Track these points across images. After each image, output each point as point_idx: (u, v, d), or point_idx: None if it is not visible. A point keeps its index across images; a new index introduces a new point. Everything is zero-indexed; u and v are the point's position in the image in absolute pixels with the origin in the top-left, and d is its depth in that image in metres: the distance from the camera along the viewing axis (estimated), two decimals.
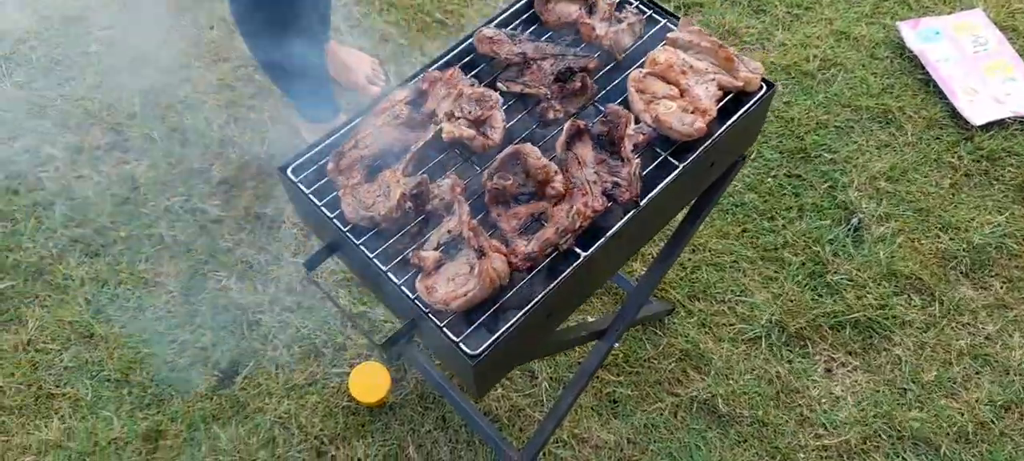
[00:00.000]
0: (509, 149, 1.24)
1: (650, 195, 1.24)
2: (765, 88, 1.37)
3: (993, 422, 1.81)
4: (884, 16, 2.54)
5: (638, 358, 1.90)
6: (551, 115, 1.32)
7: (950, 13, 2.52)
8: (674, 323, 1.95)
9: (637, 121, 1.31)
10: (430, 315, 1.12)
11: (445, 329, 1.10)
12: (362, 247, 1.18)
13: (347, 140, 1.27)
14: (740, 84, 1.37)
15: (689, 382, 1.87)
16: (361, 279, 1.39)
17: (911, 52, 2.43)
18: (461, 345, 1.09)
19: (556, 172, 1.22)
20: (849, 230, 2.10)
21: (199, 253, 2.12)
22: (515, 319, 1.11)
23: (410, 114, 1.30)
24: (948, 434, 1.80)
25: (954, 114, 2.30)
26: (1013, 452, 1.78)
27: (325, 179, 1.25)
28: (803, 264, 2.04)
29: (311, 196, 1.24)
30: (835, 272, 2.03)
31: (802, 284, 2.01)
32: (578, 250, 1.18)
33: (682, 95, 1.35)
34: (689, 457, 1.77)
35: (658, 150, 1.30)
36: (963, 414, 1.83)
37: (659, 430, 1.81)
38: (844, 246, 2.07)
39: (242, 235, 2.15)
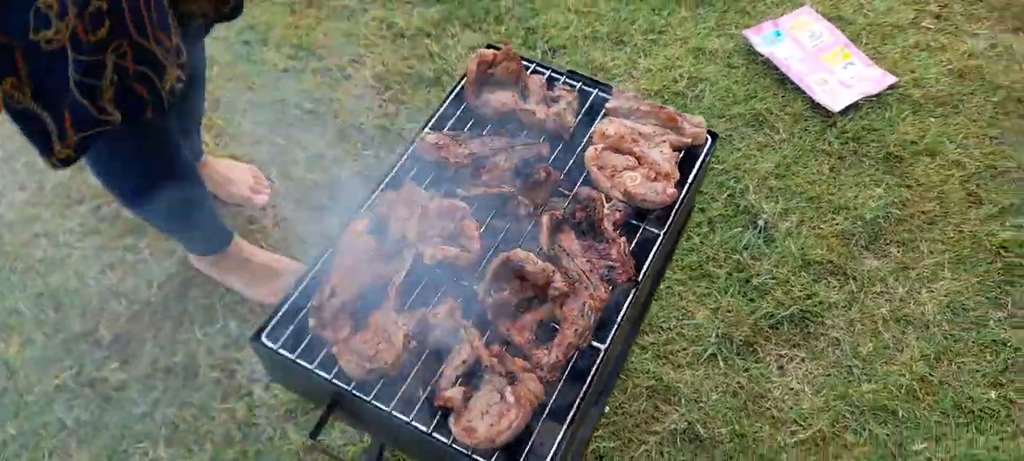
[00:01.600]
0: (499, 259, 1.20)
1: (644, 269, 1.24)
2: (710, 139, 1.42)
3: (931, 375, 1.99)
4: (729, 27, 2.73)
5: (610, 406, 1.90)
6: (523, 211, 1.29)
7: (783, 14, 2.75)
8: (632, 363, 1.97)
9: (608, 199, 1.31)
10: (476, 457, 1.05)
11: None
12: (376, 403, 1.10)
13: (319, 290, 1.17)
14: (689, 141, 1.41)
15: (664, 416, 1.90)
16: (376, 435, 1.28)
17: (762, 56, 2.62)
18: None
19: (553, 271, 1.19)
20: (759, 233, 2.22)
21: (112, 429, 1.89)
22: (563, 433, 1.07)
23: (378, 245, 1.23)
24: (898, 396, 1.95)
25: (814, 105, 2.50)
26: (955, 397, 1.95)
27: (307, 338, 1.15)
28: (729, 274, 2.14)
29: (300, 362, 1.13)
30: (758, 274, 2.14)
31: (734, 293, 2.10)
32: (597, 344, 1.16)
33: (640, 163, 1.37)
34: None
35: (633, 222, 1.32)
36: (904, 375, 1.99)
37: None
38: (759, 247, 2.19)
39: (156, 395, 1.94)
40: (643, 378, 1.95)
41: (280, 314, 1.16)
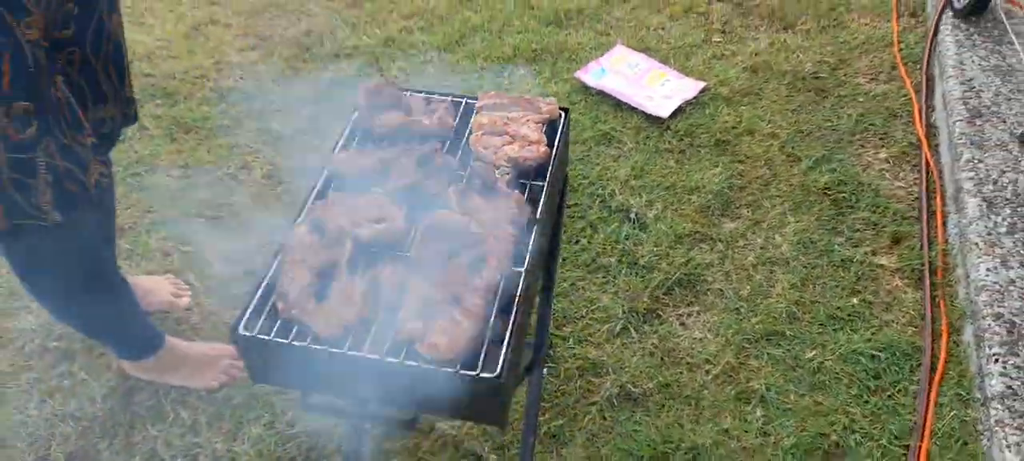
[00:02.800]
0: (425, 222, 1.40)
1: (539, 208, 1.48)
2: (564, 113, 1.71)
3: (801, 298, 2.31)
4: (562, 74, 3.13)
5: (549, 393, 2.07)
6: (431, 191, 1.51)
7: (602, 55, 3.20)
8: (559, 352, 2.16)
9: (496, 167, 1.55)
10: (444, 368, 1.21)
11: (462, 371, 1.21)
12: (353, 352, 1.23)
13: (280, 282, 1.32)
14: (547, 115, 1.69)
15: (597, 387, 2.08)
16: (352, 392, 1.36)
17: (594, 90, 3.03)
18: (481, 374, 1.20)
19: (470, 220, 1.41)
20: (633, 224, 2.53)
21: None
22: (511, 324, 1.26)
23: (320, 239, 1.39)
24: (781, 321, 2.25)
25: (648, 117, 2.91)
26: (825, 309, 2.28)
27: (276, 325, 1.28)
28: (619, 261, 2.41)
29: (278, 339, 1.25)
30: (642, 255, 2.42)
31: (627, 275, 2.37)
32: (517, 269, 1.37)
33: (514, 139, 1.63)
34: (638, 440, 1.96)
35: (522, 181, 1.56)
36: (781, 303, 2.29)
37: (600, 436, 1.98)
38: (636, 235, 2.49)
39: None
40: (572, 362, 2.14)
41: (248, 311, 1.29)
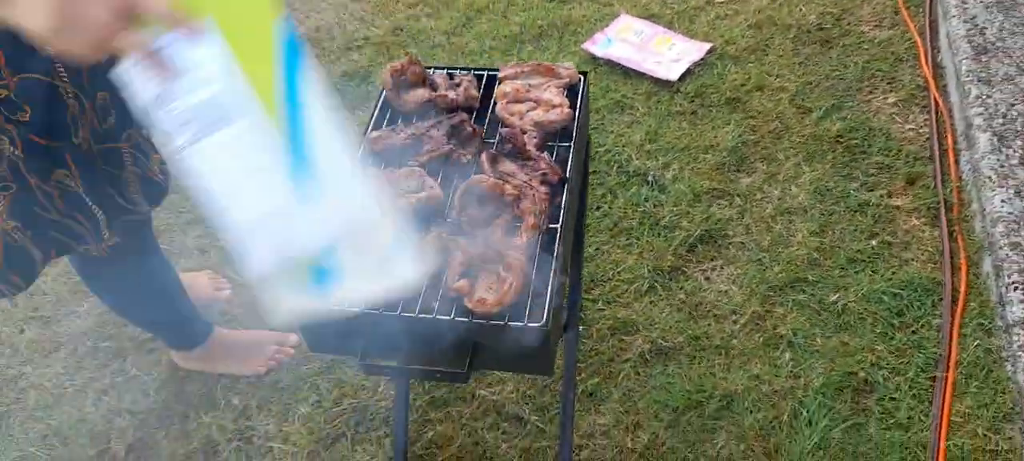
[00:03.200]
0: (460, 188, 1.47)
1: (568, 167, 1.54)
2: (583, 76, 1.77)
3: (822, 244, 2.36)
4: (569, 47, 3.18)
5: (583, 353, 2.13)
6: (464, 160, 1.57)
7: (608, 25, 3.24)
8: (589, 314, 2.23)
9: (523, 132, 1.61)
10: (492, 321, 1.28)
11: (510, 322, 1.27)
12: (406, 313, 1.30)
13: None
14: (567, 79, 1.75)
15: (629, 345, 2.15)
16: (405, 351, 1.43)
17: (603, 60, 3.08)
18: (529, 323, 1.27)
19: (504, 183, 1.47)
20: (651, 186, 2.58)
21: None
22: (551, 277, 1.32)
23: None
24: (803, 267, 2.30)
25: (658, 81, 2.95)
26: (846, 253, 2.33)
27: None
28: (640, 223, 2.47)
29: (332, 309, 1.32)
30: (663, 216, 2.48)
31: (649, 236, 2.43)
32: (553, 225, 1.44)
33: (538, 104, 1.69)
34: (672, 392, 2.03)
35: (549, 144, 1.62)
36: (802, 250, 2.35)
37: (636, 390, 2.05)
38: (656, 197, 2.54)
39: None
40: (602, 322, 2.20)
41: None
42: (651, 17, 3.30)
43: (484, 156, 1.54)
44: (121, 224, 1.54)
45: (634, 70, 3.00)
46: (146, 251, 1.81)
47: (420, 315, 1.30)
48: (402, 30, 3.35)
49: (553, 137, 1.63)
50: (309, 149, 0.86)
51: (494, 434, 1.97)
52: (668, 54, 3.06)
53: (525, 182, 1.48)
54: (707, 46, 3.08)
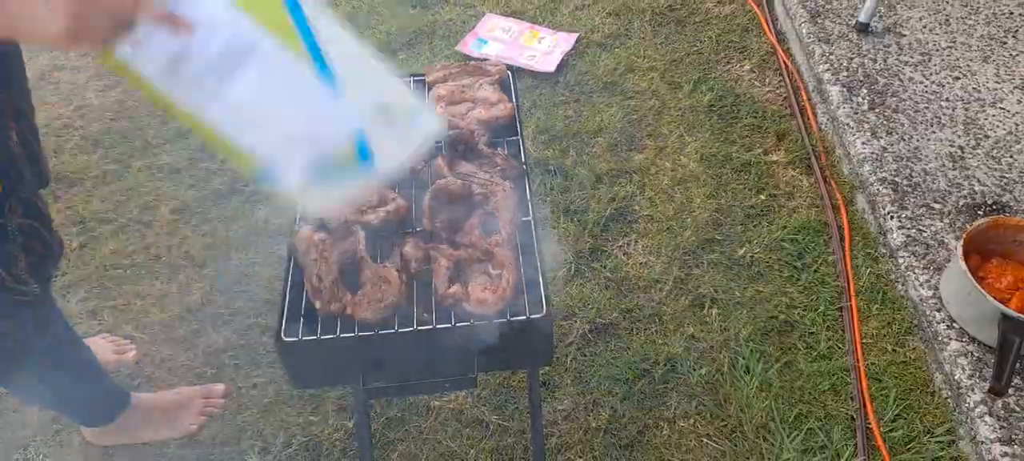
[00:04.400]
0: (427, 194, 1.43)
1: (523, 161, 1.55)
2: (509, 72, 1.78)
3: (718, 205, 2.52)
4: (443, 50, 3.18)
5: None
6: (418, 167, 1.53)
7: (476, 26, 3.27)
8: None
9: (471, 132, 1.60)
10: (497, 320, 1.26)
11: (512, 318, 1.26)
12: (403, 329, 1.25)
13: (306, 281, 1.30)
14: (497, 75, 1.76)
15: (570, 329, 2.18)
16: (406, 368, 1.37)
17: (480, 60, 3.09)
18: (532, 316, 1.26)
19: (470, 183, 1.45)
20: (554, 175, 2.64)
21: None
22: (540, 267, 1.32)
23: (329, 234, 1.38)
24: (709, 227, 2.45)
25: (537, 75, 3.02)
26: (742, 209, 2.51)
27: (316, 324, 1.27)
28: (552, 211, 2.51)
29: (325, 337, 1.24)
30: (572, 201, 2.54)
31: (564, 220, 2.48)
32: (525, 218, 1.44)
33: (475, 103, 1.68)
34: (619, 366, 2.08)
35: (495, 140, 1.62)
36: (704, 213, 2.50)
37: (586, 371, 2.09)
38: (561, 184, 2.60)
39: None
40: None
41: (284, 318, 1.26)
42: (515, 14, 3.36)
43: (441, 159, 1.51)
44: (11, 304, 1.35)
45: (513, 66, 3.04)
46: (45, 324, 1.59)
47: (419, 329, 1.25)
48: None
49: (497, 133, 1.63)
50: (322, 53, 0.91)
51: (459, 442, 1.94)
52: (540, 47, 3.14)
53: (489, 179, 1.47)
54: (575, 36, 3.19)
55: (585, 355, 2.13)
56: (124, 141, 2.75)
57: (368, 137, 0.96)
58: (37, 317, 1.49)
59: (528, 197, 1.47)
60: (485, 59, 3.08)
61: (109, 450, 1.92)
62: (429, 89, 1.71)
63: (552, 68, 3.02)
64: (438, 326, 1.25)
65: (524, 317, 1.26)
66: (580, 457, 1.92)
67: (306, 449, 1.93)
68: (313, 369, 1.30)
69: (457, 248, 1.35)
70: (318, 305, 1.26)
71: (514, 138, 1.61)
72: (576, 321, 2.21)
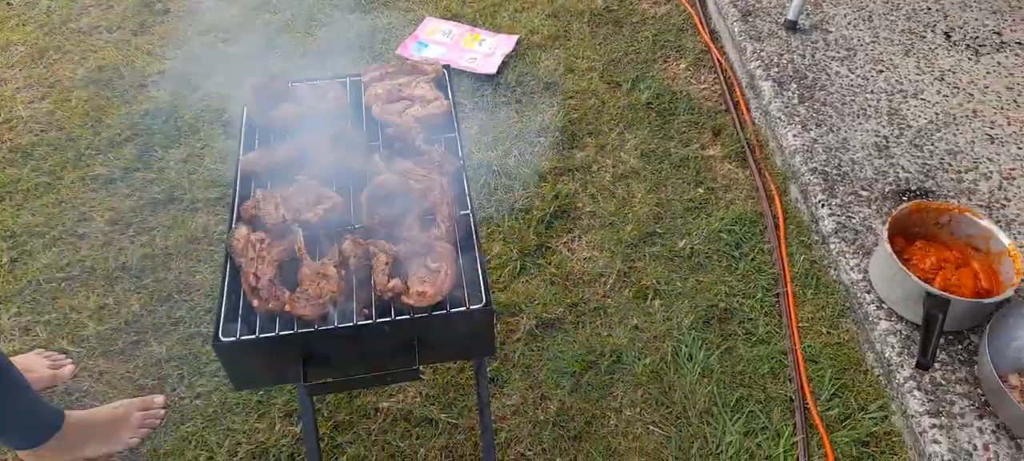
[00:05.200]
0: (365, 191, 1.43)
1: (461, 154, 1.57)
2: (443, 68, 1.80)
3: (658, 199, 2.58)
4: (384, 54, 3.17)
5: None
6: (355, 164, 1.53)
7: (416, 30, 3.28)
8: None
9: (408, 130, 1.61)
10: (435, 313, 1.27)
11: (452, 310, 1.27)
12: (342, 325, 1.25)
13: (244, 281, 1.29)
14: (433, 74, 1.77)
15: (517, 325, 2.20)
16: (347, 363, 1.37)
17: (413, 61, 3.10)
18: (472, 306, 1.28)
19: (408, 179, 1.46)
20: (498, 174, 2.66)
21: None
22: (478, 259, 1.34)
23: (265, 235, 1.38)
24: (649, 221, 2.50)
25: (478, 77, 3.04)
26: (680, 202, 2.57)
27: (255, 322, 1.26)
28: (497, 210, 2.53)
29: (264, 335, 1.24)
30: (516, 200, 2.57)
31: (510, 219, 2.50)
32: (463, 211, 1.45)
33: (413, 101, 1.69)
34: (566, 359, 2.11)
35: (433, 138, 1.63)
36: (644, 208, 2.55)
37: (533, 366, 2.11)
38: (505, 183, 2.63)
39: None
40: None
41: (221, 319, 1.25)
42: (455, 17, 3.38)
43: (377, 157, 1.52)
44: None
45: (454, 68, 3.06)
46: None
47: (359, 324, 1.26)
48: (200, 58, 3.14)
49: (434, 130, 1.65)
50: None
51: (409, 441, 1.94)
52: (480, 49, 3.16)
53: (426, 175, 1.49)
54: (515, 38, 3.22)
55: (532, 350, 2.15)
56: (55, 152, 2.68)
57: None
58: None
59: (466, 191, 1.49)
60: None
61: None
62: (365, 89, 1.71)
63: (493, 70, 3.05)
64: (378, 320, 1.26)
65: (464, 308, 1.27)
66: (530, 450, 1.94)
67: (253, 457, 1.91)
68: (253, 369, 1.29)
69: (396, 243, 1.36)
70: (256, 303, 1.26)
71: (451, 135, 1.63)
72: (523, 317, 2.23)
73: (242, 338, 1.22)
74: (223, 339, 1.22)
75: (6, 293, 2.22)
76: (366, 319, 1.26)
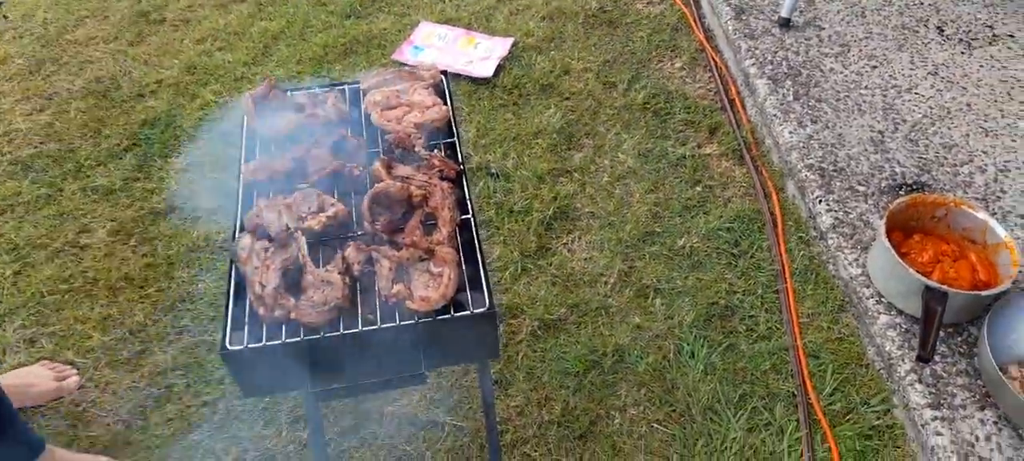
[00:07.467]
0: (366, 198, 1.44)
1: (460, 159, 1.58)
2: (441, 73, 1.81)
3: (657, 199, 2.59)
4: (380, 59, 3.18)
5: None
6: (356, 172, 1.54)
7: (411, 34, 3.29)
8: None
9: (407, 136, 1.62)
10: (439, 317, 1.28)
11: (456, 314, 1.28)
12: (346, 330, 1.26)
13: (250, 290, 1.30)
14: (430, 80, 1.78)
15: (519, 326, 2.22)
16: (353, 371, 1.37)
17: (410, 67, 3.12)
18: (475, 310, 1.29)
19: (409, 184, 1.47)
20: (496, 177, 2.67)
21: None
22: (482, 263, 1.35)
23: (269, 243, 1.39)
24: (649, 220, 2.51)
25: (475, 80, 3.05)
26: (679, 201, 2.58)
27: (262, 332, 1.27)
28: (497, 212, 2.54)
29: (271, 342, 1.25)
30: (515, 202, 2.58)
31: (508, 223, 2.51)
32: (464, 216, 1.46)
33: (411, 107, 1.70)
34: (569, 359, 2.12)
35: (432, 143, 1.64)
36: (643, 207, 2.56)
37: (537, 367, 2.12)
38: (504, 186, 2.64)
39: None
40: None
41: (228, 329, 1.26)
42: (450, 21, 3.39)
43: (378, 163, 1.53)
44: None
45: (450, 73, 3.07)
46: None
47: (364, 329, 1.27)
48: (196, 68, 3.15)
49: (434, 135, 1.66)
50: None
51: (415, 445, 1.95)
52: (476, 53, 3.17)
53: (427, 181, 1.50)
54: (510, 40, 3.23)
55: (535, 351, 2.17)
56: (55, 164, 2.69)
57: None
58: None
59: (467, 195, 1.50)
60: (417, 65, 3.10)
61: None
62: (364, 96, 1.72)
63: (489, 73, 3.06)
64: (383, 325, 1.27)
65: (468, 312, 1.28)
66: (535, 451, 1.95)
67: None
68: (261, 376, 1.30)
69: (399, 249, 1.37)
70: (262, 312, 1.27)
71: (451, 140, 1.64)
72: (525, 319, 2.24)
73: (250, 346, 1.23)
74: (231, 347, 1.23)
75: (11, 306, 2.22)
76: (371, 325, 1.27)
